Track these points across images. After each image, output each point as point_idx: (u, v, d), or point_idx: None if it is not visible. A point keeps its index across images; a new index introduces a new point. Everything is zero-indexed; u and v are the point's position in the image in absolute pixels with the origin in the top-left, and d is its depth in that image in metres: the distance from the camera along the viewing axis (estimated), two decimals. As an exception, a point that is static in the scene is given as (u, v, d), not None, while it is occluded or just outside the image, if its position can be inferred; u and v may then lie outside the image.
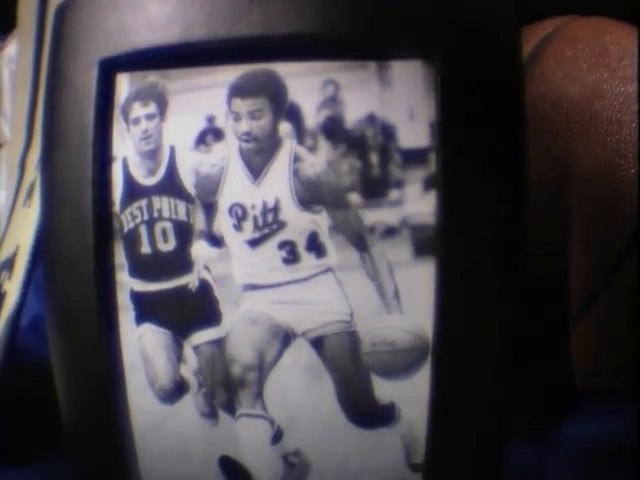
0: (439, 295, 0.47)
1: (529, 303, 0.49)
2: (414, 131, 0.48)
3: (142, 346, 0.54)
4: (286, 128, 0.50)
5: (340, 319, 0.50)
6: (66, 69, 0.54)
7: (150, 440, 0.54)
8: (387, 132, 0.48)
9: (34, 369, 0.66)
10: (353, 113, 0.49)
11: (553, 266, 0.63)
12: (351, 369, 0.50)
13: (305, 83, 0.49)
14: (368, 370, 0.50)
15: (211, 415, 0.53)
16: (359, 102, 0.49)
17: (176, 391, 0.53)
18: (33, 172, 0.68)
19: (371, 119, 0.49)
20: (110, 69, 0.53)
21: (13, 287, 0.65)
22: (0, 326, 0.64)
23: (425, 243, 0.48)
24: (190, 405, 0.53)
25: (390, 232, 0.49)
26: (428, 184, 0.48)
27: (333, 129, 0.49)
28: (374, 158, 0.49)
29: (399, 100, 0.48)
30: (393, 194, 0.49)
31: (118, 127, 0.53)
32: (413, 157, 0.48)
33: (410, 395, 0.49)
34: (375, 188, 0.49)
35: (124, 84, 0.53)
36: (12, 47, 0.79)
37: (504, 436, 0.49)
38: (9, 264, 0.66)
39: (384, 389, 0.50)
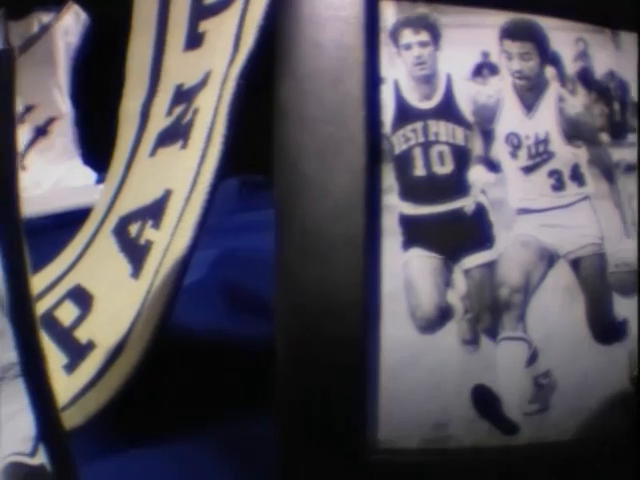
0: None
1: None
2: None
3: (407, 273, 0.53)
4: (551, 72, 0.57)
5: (594, 242, 0.57)
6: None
7: (399, 377, 0.53)
8: (623, 87, 0.59)
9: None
10: (599, 67, 0.59)
11: None
12: (599, 288, 0.57)
13: (562, 36, 0.58)
14: (611, 289, 0.58)
15: (473, 341, 0.54)
16: (602, 59, 0.59)
17: (439, 319, 0.54)
18: (162, 119, 0.62)
19: (611, 75, 0.59)
20: None
21: (165, 234, 0.58)
22: (149, 278, 0.59)
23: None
24: (452, 333, 0.54)
25: (629, 169, 0.59)
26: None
27: (586, 78, 0.58)
28: (616, 106, 0.59)
29: (628, 63, 0.60)
30: (630, 137, 0.59)
31: (387, 50, 0.55)
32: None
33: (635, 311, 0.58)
34: (618, 131, 0.59)
35: (390, 11, 0.55)
36: (67, 19, 0.72)
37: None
38: (152, 212, 0.58)
39: (620, 306, 0.58)
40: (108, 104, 0.77)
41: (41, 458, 0.50)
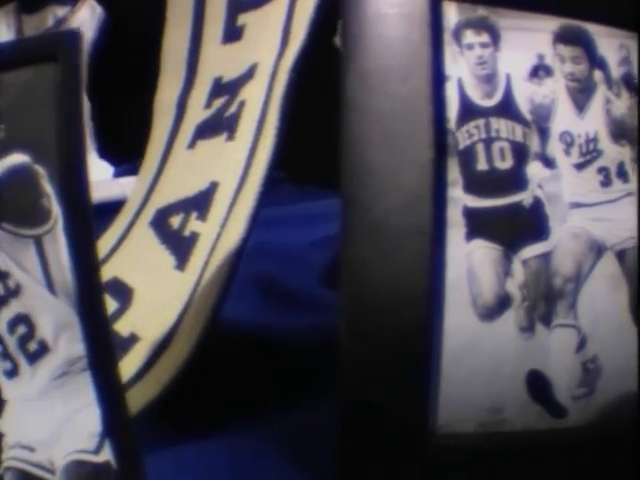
0: None
1: None
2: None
3: (470, 262, 0.56)
4: (598, 75, 0.61)
5: (635, 235, 0.61)
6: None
7: (460, 363, 0.56)
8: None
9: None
10: (637, 73, 0.63)
11: None
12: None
13: (608, 42, 0.61)
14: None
15: (529, 328, 0.57)
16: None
17: (499, 307, 0.57)
18: (200, 111, 0.63)
19: (650, 79, 0.63)
20: None
21: (212, 226, 0.59)
22: (196, 270, 0.59)
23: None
24: (510, 321, 0.57)
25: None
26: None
27: (629, 82, 0.62)
28: (654, 109, 0.63)
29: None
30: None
31: (450, 49, 0.58)
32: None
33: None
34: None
35: (452, 11, 0.58)
36: (82, 12, 0.72)
37: None
38: (197, 204, 0.59)
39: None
40: (124, 99, 0.78)
41: (106, 455, 0.49)
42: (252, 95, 0.65)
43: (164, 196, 0.67)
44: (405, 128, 0.52)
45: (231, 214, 0.61)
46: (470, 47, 0.54)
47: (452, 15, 0.54)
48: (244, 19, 0.71)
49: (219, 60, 0.71)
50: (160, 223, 0.67)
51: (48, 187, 0.49)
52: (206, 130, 0.67)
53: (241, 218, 0.61)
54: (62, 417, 0.50)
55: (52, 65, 0.50)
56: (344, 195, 0.52)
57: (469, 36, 0.54)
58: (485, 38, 0.54)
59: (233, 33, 0.71)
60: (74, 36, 0.51)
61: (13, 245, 0.50)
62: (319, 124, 0.66)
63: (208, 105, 0.67)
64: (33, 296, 0.50)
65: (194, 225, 0.62)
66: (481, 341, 0.53)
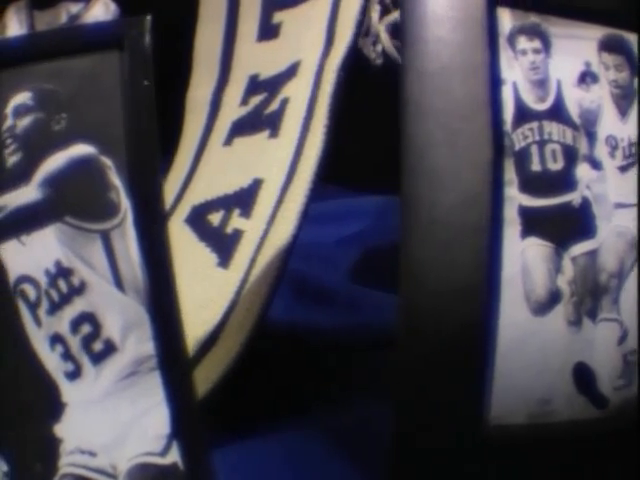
0: None
1: None
2: None
3: (524, 260, 0.59)
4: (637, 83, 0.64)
5: None
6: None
7: (512, 356, 0.59)
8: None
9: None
10: None
11: None
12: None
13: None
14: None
15: (576, 322, 0.60)
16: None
17: (550, 302, 0.60)
18: (235, 108, 0.64)
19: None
20: (493, 1, 0.60)
21: (258, 223, 0.61)
22: (242, 267, 0.60)
23: None
24: (559, 315, 0.60)
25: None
26: None
27: None
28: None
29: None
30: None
31: (505, 54, 0.60)
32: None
33: None
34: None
35: (506, 17, 0.61)
36: (96, 9, 0.71)
37: None
38: (239, 201, 0.61)
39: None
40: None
41: (174, 456, 0.48)
42: (296, 93, 0.66)
43: (200, 193, 0.67)
44: (466, 128, 0.54)
45: (279, 211, 0.62)
46: (523, 52, 0.56)
47: (506, 21, 0.57)
48: (280, 17, 0.72)
49: (254, 57, 0.72)
50: (198, 220, 0.67)
51: (116, 180, 0.48)
52: (244, 127, 0.68)
53: (291, 215, 0.62)
54: (128, 419, 0.48)
55: (117, 53, 0.49)
56: (404, 194, 0.54)
57: (522, 42, 0.56)
58: (537, 44, 0.57)
59: (269, 31, 0.72)
60: (142, 23, 0.49)
61: (77, 240, 0.48)
62: (341, 124, 0.68)
63: (244, 102, 0.68)
64: (99, 294, 0.48)
65: (237, 222, 0.63)
66: (533, 335, 0.55)
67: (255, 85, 0.70)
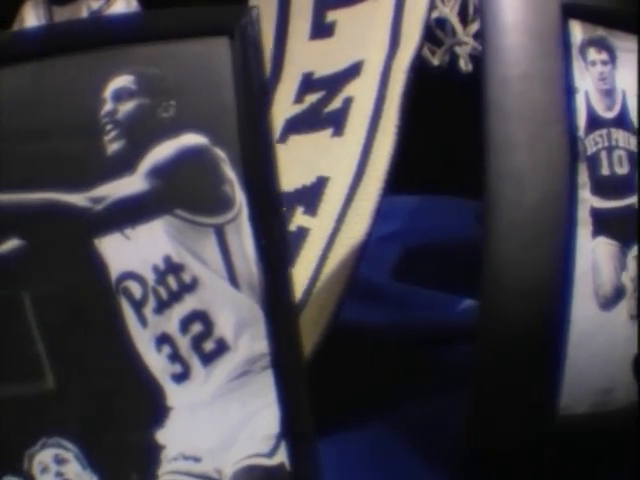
0: None
1: None
2: None
3: (594, 257, 0.64)
4: None
5: None
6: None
7: (582, 348, 0.63)
8: None
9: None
10: None
11: None
12: None
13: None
14: None
15: (637, 316, 0.66)
16: None
17: (615, 297, 0.64)
18: (289, 106, 0.63)
19: None
20: (566, 13, 0.64)
21: (325, 220, 0.61)
22: (311, 265, 0.59)
23: None
24: (623, 310, 0.64)
25: None
26: None
27: None
28: None
29: None
30: None
31: (577, 64, 0.65)
32: None
33: None
34: None
35: (577, 29, 0.65)
36: (118, 5, 0.70)
37: None
38: (302, 199, 0.61)
39: None
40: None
41: (281, 457, 0.45)
42: (361, 92, 0.67)
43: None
44: (545, 133, 0.58)
45: (350, 209, 0.62)
46: (593, 63, 0.60)
47: (578, 33, 0.60)
48: (334, 16, 0.73)
49: (308, 55, 0.73)
50: (257, 218, 0.67)
51: (230, 172, 0.45)
52: (300, 125, 0.68)
53: (364, 213, 0.61)
54: (237, 421, 0.45)
55: (226, 40, 0.45)
56: (489, 194, 0.57)
57: (592, 53, 0.60)
58: (605, 56, 0.61)
59: (322, 29, 0.73)
60: (253, 11, 0.46)
61: (189, 235, 0.45)
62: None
63: (299, 100, 0.68)
64: (212, 290, 0.45)
65: (301, 219, 0.61)
66: (600, 328, 0.59)
67: (310, 83, 0.71)
